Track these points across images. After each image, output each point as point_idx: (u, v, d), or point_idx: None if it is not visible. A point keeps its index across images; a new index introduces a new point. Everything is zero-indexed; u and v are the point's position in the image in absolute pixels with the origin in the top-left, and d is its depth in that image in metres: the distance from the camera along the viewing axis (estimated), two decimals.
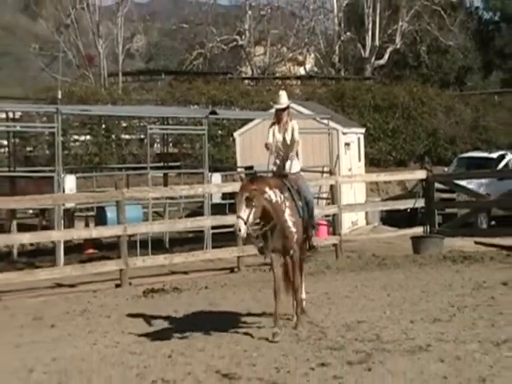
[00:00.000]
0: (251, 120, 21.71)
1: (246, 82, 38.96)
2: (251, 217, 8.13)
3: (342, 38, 42.22)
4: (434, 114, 33.02)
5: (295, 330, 8.64)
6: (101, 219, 16.76)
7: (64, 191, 15.58)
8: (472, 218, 19.31)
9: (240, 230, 8.06)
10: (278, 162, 8.97)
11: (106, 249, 16.86)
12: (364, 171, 23.00)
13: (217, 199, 18.02)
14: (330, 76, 40.28)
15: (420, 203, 17.05)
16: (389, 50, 41.63)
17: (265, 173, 9.98)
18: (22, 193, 15.13)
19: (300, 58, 45.07)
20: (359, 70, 42.22)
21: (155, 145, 27.43)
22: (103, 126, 28.64)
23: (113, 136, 28.93)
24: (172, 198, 18.86)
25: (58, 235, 14.67)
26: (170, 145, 26.77)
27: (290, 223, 8.46)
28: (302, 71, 44.60)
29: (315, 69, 45.38)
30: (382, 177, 19.77)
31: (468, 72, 44.83)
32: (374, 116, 31.84)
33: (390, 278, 12.04)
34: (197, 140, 26.85)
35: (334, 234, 16.12)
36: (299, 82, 39.49)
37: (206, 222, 15.90)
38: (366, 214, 22.18)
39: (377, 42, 41.17)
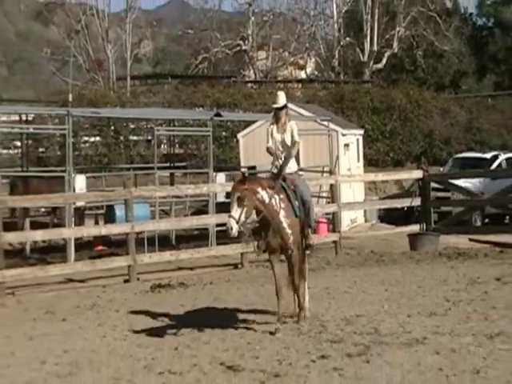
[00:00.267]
0: (254, 122, 21.68)
1: (249, 85, 38.97)
2: (243, 216, 8.03)
3: (342, 43, 42.22)
4: (430, 116, 33.00)
5: (297, 324, 8.63)
6: (110, 217, 16.75)
7: (74, 190, 15.58)
8: (466, 216, 19.27)
9: (232, 229, 7.98)
10: (277, 163, 8.80)
11: (115, 245, 16.85)
12: (363, 171, 22.95)
13: (221, 198, 17.97)
14: (329, 79, 40.29)
15: (416, 202, 17.04)
16: (386, 55, 41.63)
17: (267, 173, 9.88)
18: (35, 192, 15.14)
19: (301, 62, 45.06)
20: (358, 73, 42.21)
21: (162, 146, 27.44)
22: (112, 127, 28.66)
23: (121, 137, 28.94)
24: (178, 197, 18.84)
25: (69, 232, 14.68)
26: (176, 146, 26.78)
27: (285, 224, 8.32)
28: (303, 75, 44.58)
29: (316, 72, 45.39)
30: (380, 176, 19.76)
31: (463, 76, 44.83)
32: (373, 118, 31.82)
33: (388, 274, 12.03)
34: (202, 141, 26.85)
35: (333, 231, 16.10)
36: (300, 86, 39.48)
37: (211, 220, 15.90)
38: (365, 212, 22.15)
39: (375, 47, 41.17)
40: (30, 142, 22.53)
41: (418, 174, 17.19)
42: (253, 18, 43.23)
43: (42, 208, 19.36)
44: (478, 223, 20.61)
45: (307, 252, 9.08)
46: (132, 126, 29.11)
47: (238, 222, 8.00)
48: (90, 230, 15.86)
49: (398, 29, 41.19)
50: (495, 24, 47.43)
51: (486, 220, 21.44)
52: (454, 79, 44.33)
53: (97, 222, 18.74)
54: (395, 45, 41.40)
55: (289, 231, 8.35)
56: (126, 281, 13.04)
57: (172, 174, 20.56)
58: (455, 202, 19.48)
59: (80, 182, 16.33)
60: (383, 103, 32.39)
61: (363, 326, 8.36)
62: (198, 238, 18.08)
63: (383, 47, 41.54)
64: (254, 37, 43.45)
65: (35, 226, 17.28)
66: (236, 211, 8.03)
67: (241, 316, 9.20)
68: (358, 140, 23.41)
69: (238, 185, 8.17)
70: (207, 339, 8.19)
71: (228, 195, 18.38)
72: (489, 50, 46.29)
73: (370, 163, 28.96)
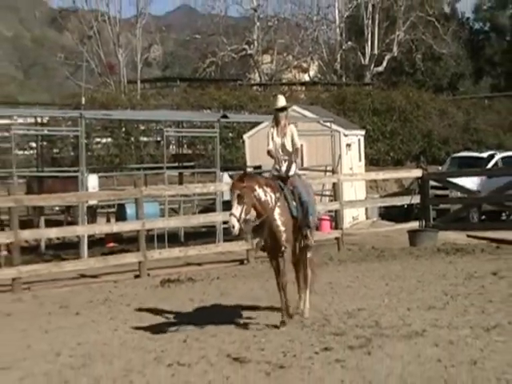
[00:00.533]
0: (259, 123, 21.67)
1: (255, 88, 38.95)
2: (243, 213, 7.91)
3: (344, 47, 42.18)
4: (429, 117, 32.94)
5: (301, 318, 8.63)
6: (121, 215, 16.78)
7: (87, 189, 15.61)
8: (464, 213, 19.21)
9: (234, 227, 7.85)
10: (277, 167, 8.65)
11: (126, 242, 16.88)
12: (364, 170, 22.94)
13: (228, 196, 17.99)
14: (332, 82, 40.24)
15: (416, 199, 17.01)
16: (387, 58, 41.58)
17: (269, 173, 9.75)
18: (49, 191, 15.18)
19: (304, 65, 45.04)
20: (359, 76, 42.17)
21: (171, 146, 27.46)
22: (123, 129, 28.67)
23: (132, 138, 28.96)
24: (186, 196, 18.88)
25: (82, 230, 14.72)
26: (185, 146, 26.77)
27: (278, 222, 8.18)
28: (306, 78, 44.55)
29: (319, 75, 45.33)
30: (381, 175, 19.72)
31: (460, 78, 44.75)
32: (373, 119, 31.79)
33: (388, 269, 12.00)
34: (209, 142, 26.84)
35: (336, 228, 16.09)
36: (304, 88, 39.46)
37: (218, 218, 15.90)
38: (366, 209, 22.14)
39: (375, 51, 41.12)
40: (44, 143, 22.61)
41: (417, 172, 17.17)
42: (258, 24, 43.21)
43: (56, 206, 19.40)
44: (475, 220, 20.55)
45: (309, 255, 8.87)
46: (142, 128, 29.13)
47: (239, 220, 7.88)
48: (102, 227, 15.89)
49: (397, 33, 41.13)
50: (491, 28, 47.34)
51: (483, 217, 21.38)
52: (452, 81, 44.25)
53: (108, 220, 18.77)
54: (395, 48, 41.34)
55: (282, 228, 8.20)
56: (136, 276, 13.06)
57: (180, 174, 20.59)
58: (453, 200, 19.44)
59: (92, 181, 16.37)
60: (384, 105, 32.35)
61: (365, 320, 8.35)
62: (205, 235, 18.10)
63: (383, 51, 41.49)
64: (259, 41, 43.43)
65: (50, 223, 17.33)
66: (237, 209, 7.90)
67: (246, 310, 9.19)
68: (359, 140, 23.40)
69: (237, 183, 8.04)
70: (214, 332, 8.19)
71: None
72: (485, 53, 46.20)
73: (371, 162, 28.93)
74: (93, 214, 17.45)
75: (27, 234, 13.63)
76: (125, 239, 17.36)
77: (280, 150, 8.68)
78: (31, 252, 15.77)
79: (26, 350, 7.99)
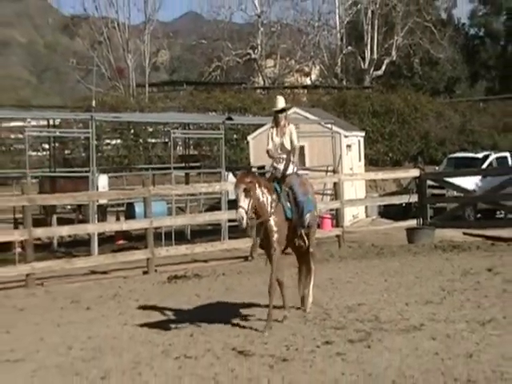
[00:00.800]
0: (263, 125, 21.64)
1: (258, 91, 38.93)
2: (250, 207, 7.82)
3: (344, 52, 42.13)
4: (426, 119, 32.87)
5: (303, 313, 8.62)
6: (130, 214, 16.80)
7: (98, 189, 15.62)
8: (460, 212, 19.18)
9: (242, 219, 7.72)
10: (275, 165, 8.56)
11: (135, 240, 16.88)
12: (364, 170, 22.90)
13: (232, 196, 17.98)
14: (333, 85, 40.19)
15: (414, 198, 16.98)
16: (385, 62, 41.52)
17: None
18: (61, 191, 15.21)
19: (306, 69, 45.01)
20: (359, 80, 42.12)
21: (178, 147, 27.46)
22: (132, 131, 28.67)
23: (140, 140, 28.95)
24: (193, 195, 18.88)
25: (93, 228, 14.73)
26: (191, 147, 26.77)
27: (272, 222, 8.07)
28: (308, 81, 44.51)
29: (320, 79, 45.28)
30: (380, 175, 19.68)
31: (456, 81, 44.69)
32: (373, 121, 31.73)
33: (387, 266, 11.98)
34: (215, 143, 26.82)
35: (337, 226, 16.07)
36: (306, 91, 39.40)
37: (223, 216, 15.89)
38: (366, 208, 22.10)
39: (375, 55, 41.08)
40: (57, 144, 22.59)
41: (415, 172, 17.14)
42: (261, 29, 43.19)
43: (68, 205, 19.42)
44: (471, 218, 20.51)
45: (311, 250, 8.76)
46: (150, 130, 29.12)
47: (247, 213, 7.78)
48: (111, 225, 15.90)
49: (396, 38, 41.07)
50: (486, 34, 47.24)
51: (479, 215, 21.35)
52: (448, 85, 44.20)
53: (118, 218, 18.79)
54: (393, 53, 41.29)
55: (274, 229, 8.08)
56: (144, 272, 13.06)
57: (187, 174, 20.59)
58: (450, 199, 19.40)
59: (103, 181, 16.40)
60: (383, 107, 32.30)
61: (364, 314, 8.34)
62: (211, 232, 18.09)
63: (382, 55, 41.43)
64: (263, 46, 43.40)
65: (62, 222, 17.36)
66: (244, 201, 7.80)
67: (251, 305, 9.18)
68: (359, 141, 23.36)
69: (243, 177, 7.98)
70: (220, 326, 8.18)
71: None
72: (480, 58, 46.11)
73: (371, 163, 28.89)
74: (103, 212, 17.47)
75: (40, 232, 13.63)
76: (133, 237, 17.37)
77: (279, 149, 8.59)
78: (44, 249, 15.79)
79: (39, 343, 8.00)
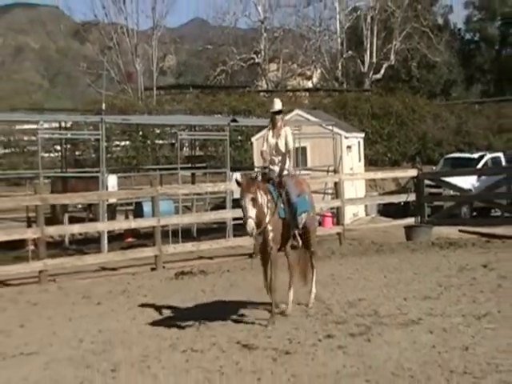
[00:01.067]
0: (266, 126, 21.60)
1: (262, 94, 38.87)
2: (256, 215, 7.76)
3: (344, 56, 42.09)
4: (424, 121, 32.82)
5: (306, 307, 8.61)
6: (138, 212, 16.78)
7: (107, 189, 15.62)
8: (456, 210, 19.14)
9: (253, 229, 7.68)
10: (271, 167, 8.43)
11: (143, 238, 16.89)
12: (363, 170, 22.88)
13: (237, 195, 17.97)
14: (333, 88, 40.13)
15: (412, 197, 16.97)
16: (384, 66, 41.45)
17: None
18: (73, 190, 15.22)
19: (308, 73, 44.95)
20: (359, 83, 42.08)
21: (184, 148, 27.43)
22: (140, 132, 28.68)
23: (148, 141, 28.96)
24: (199, 194, 18.87)
25: (103, 226, 14.74)
26: (197, 148, 26.77)
27: (267, 222, 7.96)
28: (309, 84, 44.45)
29: (321, 82, 45.23)
30: (379, 175, 19.66)
31: (452, 84, 44.59)
32: (372, 122, 31.68)
33: (386, 262, 11.97)
34: (220, 144, 26.83)
35: (338, 224, 16.06)
36: (307, 94, 39.35)
37: (228, 215, 15.89)
38: (366, 206, 22.07)
39: (374, 59, 41.03)
40: (68, 146, 22.61)
41: (412, 172, 17.12)
42: (265, 34, 43.16)
43: (78, 204, 19.43)
44: (467, 216, 20.48)
45: (312, 249, 8.70)
46: (158, 131, 29.12)
47: (255, 222, 7.72)
48: (121, 224, 15.92)
49: (394, 43, 41.00)
50: (481, 38, 47.16)
51: (474, 213, 21.31)
52: (445, 88, 44.10)
53: (127, 217, 18.79)
54: (392, 57, 41.22)
55: (270, 228, 8.01)
56: (152, 269, 13.07)
57: (193, 174, 20.58)
58: (446, 198, 19.36)
59: (112, 181, 16.39)
60: (382, 109, 32.25)
61: (365, 309, 8.33)
62: (216, 230, 18.09)
63: (381, 59, 41.37)
64: (266, 51, 43.36)
65: (73, 220, 17.36)
66: (252, 211, 7.73)
67: (254, 300, 9.18)
68: (359, 142, 23.33)
69: (249, 187, 7.85)
70: (225, 321, 8.18)
71: None
72: (475, 62, 46.01)
73: (370, 163, 28.83)
74: (112, 211, 17.47)
75: (52, 230, 13.67)
76: (142, 235, 17.38)
77: (274, 151, 8.48)
78: (56, 246, 15.80)
79: (51, 337, 8.01)
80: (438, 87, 43.36)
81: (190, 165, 22.07)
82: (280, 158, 8.46)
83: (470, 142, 32.89)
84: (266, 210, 7.97)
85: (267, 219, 7.98)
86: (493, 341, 6.78)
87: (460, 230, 16.02)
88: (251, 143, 23.12)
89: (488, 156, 23.76)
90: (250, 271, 12.10)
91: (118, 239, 16.97)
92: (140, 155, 28.20)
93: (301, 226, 8.43)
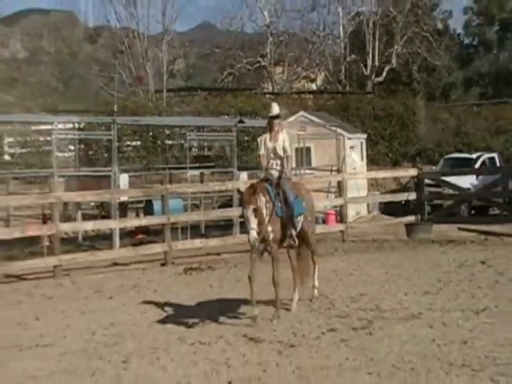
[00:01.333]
0: None
1: (268, 96, 38.80)
2: (257, 224, 7.70)
3: (347, 59, 41.98)
4: (424, 122, 32.74)
5: (309, 302, 8.61)
6: (149, 210, 16.78)
7: (119, 187, 15.63)
8: (455, 208, 19.08)
9: (256, 240, 7.62)
10: (270, 171, 8.35)
11: (153, 234, 16.88)
12: (366, 170, 22.83)
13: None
14: (337, 91, 40.03)
15: (412, 196, 16.94)
16: (386, 69, 41.33)
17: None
18: (86, 189, 15.21)
19: (312, 75, 44.83)
20: (361, 85, 41.95)
21: (193, 149, 27.41)
22: (150, 133, 28.66)
23: (158, 142, 28.93)
24: (207, 193, 18.85)
25: (115, 223, 14.76)
26: (205, 149, 26.76)
27: (267, 222, 7.91)
28: (314, 87, 44.35)
29: (325, 85, 45.16)
30: (381, 174, 19.65)
31: (451, 87, 44.48)
32: (374, 124, 31.60)
33: (388, 259, 11.96)
34: (227, 144, 26.80)
35: (341, 221, 16.04)
36: (312, 96, 39.24)
37: (235, 212, 15.86)
38: (368, 205, 22.01)
39: (376, 63, 40.90)
40: (81, 146, 22.65)
41: (413, 172, 17.10)
42: (270, 39, 43.10)
43: (91, 202, 19.46)
44: (466, 214, 20.41)
45: (313, 247, 8.68)
46: (167, 132, 29.08)
47: (258, 233, 7.67)
48: (132, 221, 15.93)
49: (395, 47, 40.87)
50: (479, 43, 47.01)
51: (473, 211, 21.23)
52: (445, 90, 43.98)
53: (138, 215, 18.78)
54: (393, 61, 41.09)
55: (269, 228, 7.97)
56: (162, 264, 13.08)
57: (202, 173, 20.55)
58: (446, 196, 19.30)
59: (123, 180, 16.38)
60: (383, 111, 32.17)
61: (366, 304, 8.32)
62: (223, 227, 18.07)
63: (383, 63, 41.25)
64: (272, 54, 43.29)
65: (86, 217, 17.38)
66: (254, 222, 7.64)
67: (260, 295, 9.17)
68: (361, 143, 23.30)
69: (250, 197, 7.72)
70: (232, 314, 8.18)
71: None
72: (474, 65, 45.86)
73: (372, 163, 28.75)
74: (124, 209, 17.45)
75: (66, 227, 13.70)
76: (152, 231, 17.37)
77: (272, 154, 8.40)
78: (70, 243, 15.83)
79: (65, 329, 8.04)
80: (437, 90, 43.24)
81: (198, 164, 22.05)
82: (278, 161, 8.39)
83: (469, 143, 32.75)
84: (264, 210, 7.91)
85: (266, 220, 7.91)
86: (491, 335, 6.76)
87: (459, 228, 15.97)
88: (257, 144, 23.07)
89: (485, 156, 23.75)
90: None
91: (129, 236, 16.97)
92: (150, 155, 28.18)
93: (298, 228, 8.38)
